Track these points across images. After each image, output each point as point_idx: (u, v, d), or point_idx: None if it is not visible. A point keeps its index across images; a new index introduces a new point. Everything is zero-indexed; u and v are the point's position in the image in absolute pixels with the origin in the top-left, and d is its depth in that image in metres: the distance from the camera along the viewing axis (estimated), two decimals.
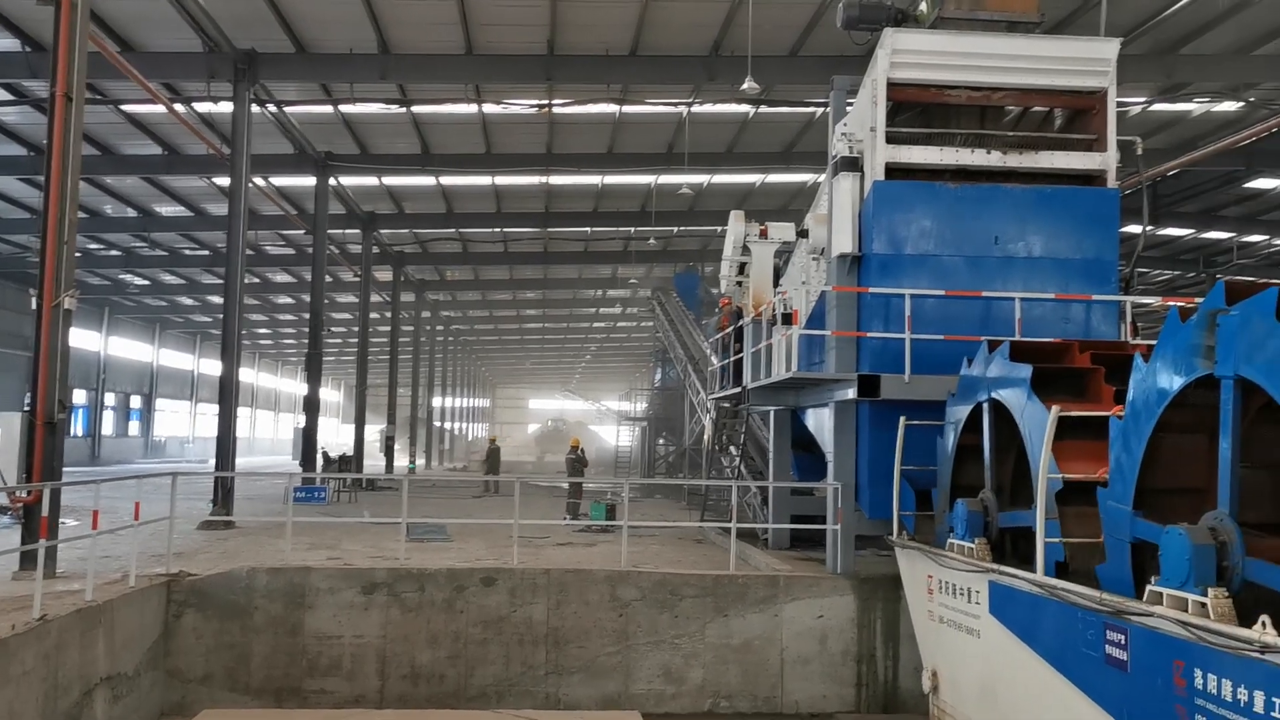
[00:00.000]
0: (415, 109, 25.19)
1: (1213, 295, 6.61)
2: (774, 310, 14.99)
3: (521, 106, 24.60)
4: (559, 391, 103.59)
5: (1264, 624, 5.95)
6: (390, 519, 17.11)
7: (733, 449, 20.95)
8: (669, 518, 23.41)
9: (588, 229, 37.79)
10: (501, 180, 31.46)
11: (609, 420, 71.06)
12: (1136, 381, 7.48)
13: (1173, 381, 7.01)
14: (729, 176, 31.21)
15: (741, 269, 18.17)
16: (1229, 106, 24.54)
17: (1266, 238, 35.65)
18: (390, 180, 31.55)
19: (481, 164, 29.12)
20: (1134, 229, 23.94)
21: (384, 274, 42.37)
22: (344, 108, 25.03)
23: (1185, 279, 39.87)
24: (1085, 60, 13.16)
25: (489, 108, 24.88)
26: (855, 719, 11.94)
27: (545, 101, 24.42)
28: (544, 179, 30.96)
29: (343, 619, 12.50)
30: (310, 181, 29.14)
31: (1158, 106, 24.49)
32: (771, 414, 17.11)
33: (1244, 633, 6.04)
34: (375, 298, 41.10)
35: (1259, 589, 7.18)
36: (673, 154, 27.97)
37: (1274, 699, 5.74)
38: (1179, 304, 7.40)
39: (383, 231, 37.94)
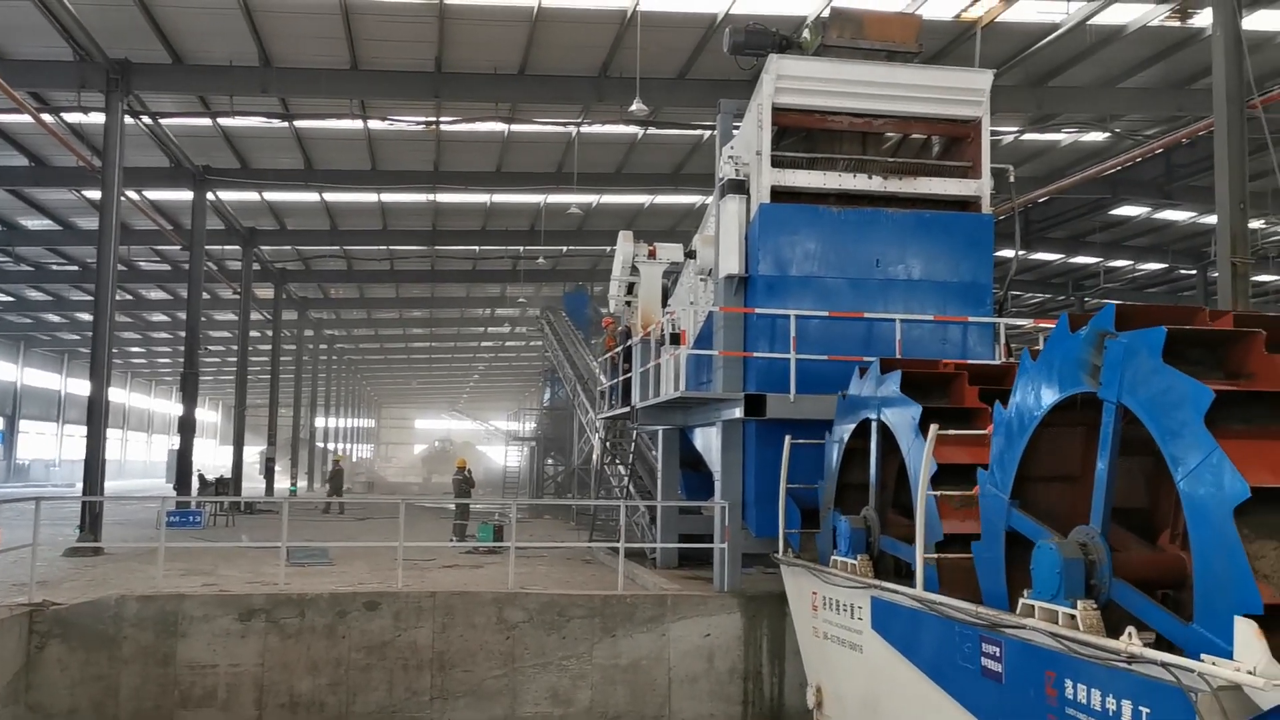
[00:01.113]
0: (298, 123, 24.68)
1: (1103, 315, 6.68)
2: (662, 330, 15.08)
3: (408, 123, 24.32)
4: (446, 411, 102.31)
5: (1130, 635, 6.18)
6: (270, 543, 16.62)
7: (621, 468, 20.97)
8: (558, 538, 23.31)
9: (476, 247, 37.54)
10: (388, 197, 31.04)
11: (497, 440, 70.42)
12: (1020, 387, 7.59)
13: (1055, 394, 7.11)
14: (618, 197, 31.36)
15: (630, 289, 18.27)
16: (1095, 137, 25.67)
17: (1130, 263, 37.37)
18: (272, 195, 30.85)
19: (367, 180, 28.67)
20: (1007, 253, 24.85)
21: (265, 291, 41.32)
22: (223, 121, 24.38)
23: (1056, 302, 41.51)
24: (961, 90, 13.62)
25: (375, 124, 24.53)
26: None
27: (433, 119, 24.19)
28: (431, 196, 30.66)
29: (218, 647, 12.08)
30: (187, 196, 28.27)
31: (1029, 136, 25.48)
32: (660, 433, 17.19)
33: (1112, 643, 6.26)
34: (256, 315, 40.08)
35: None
36: (562, 173, 27.99)
37: (1141, 708, 5.96)
38: (1048, 326, 7.62)
39: (264, 248, 37.02)
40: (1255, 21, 18.23)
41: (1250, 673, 5.25)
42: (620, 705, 12.48)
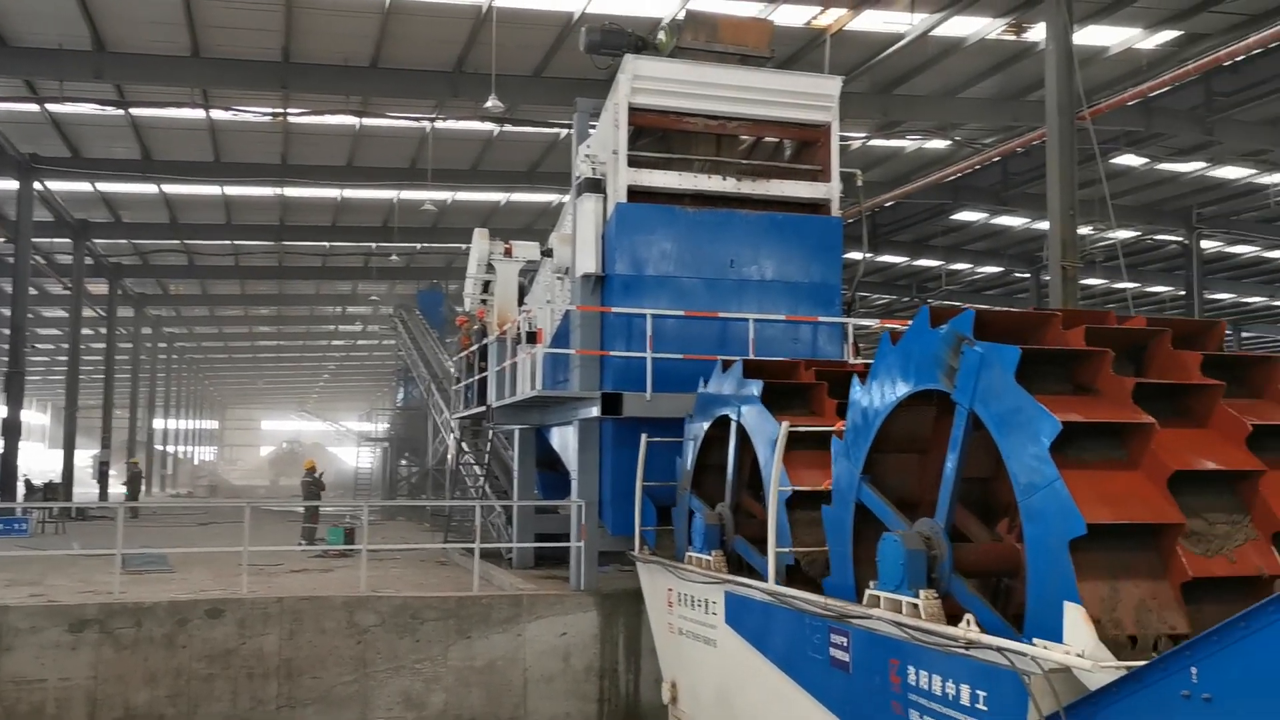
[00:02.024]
0: (135, 111, 23.57)
1: (963, 320, 6.73)
2: (518, 329, 14.98)
3: (254, 114, 23.51)
4: (295, 412, 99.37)
5: (969, 621, 6.43)
6: (103, 550, 15.82)
7: (477, 468, 20.76)
8: (412, 540, 22.92)
9: (326, 244, 36.59)
10: (232, 190, 29.98)
11: (349, 441, 68.83)
12: (878, 370, 7.70)
13: (910, 386, 7.26)
14: (473, 194, 31.04)
15: (486, 287, 18.08)
16: (937, 144, 26.68)
17: (970, 266, 39.01)
18: (106, 187, 29.38)
19: (209, 173, 27.63)
20: (856, 255, 25.61)
21: (99, 287, 39.36)
22: (52, 107, 23.12)
23: (901, 303, 43.01)
24: (811, 95, 13.94)
25: (218, 114, 23.61)
26: None
27: (280, 110, 23.45)
28: (279, 190, 29.74)
29: (46, 660, 11.42)
30: (12, 185, 26.69)
31: (876, 142, 26.31)
32: (516, 433, 17.08)
33: (952, 630, 6.50)
34: (88, 312, 38.09)
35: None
36: (415, 169, 27.54)
37: (978, 691, 6.21)
38: (894, 326, 7.84)
39: (97, 241, 35.24)
40: (1086, 37, 19.27)
41: (1079, 655, 5.52)
42: (475, 707, 12.35)
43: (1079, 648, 5.55)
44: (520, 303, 17.61)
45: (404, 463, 40.23)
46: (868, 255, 35.27)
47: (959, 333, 6.67)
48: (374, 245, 36.16)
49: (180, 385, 72.25)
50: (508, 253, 17.63)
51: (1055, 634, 5.72)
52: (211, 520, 28.63)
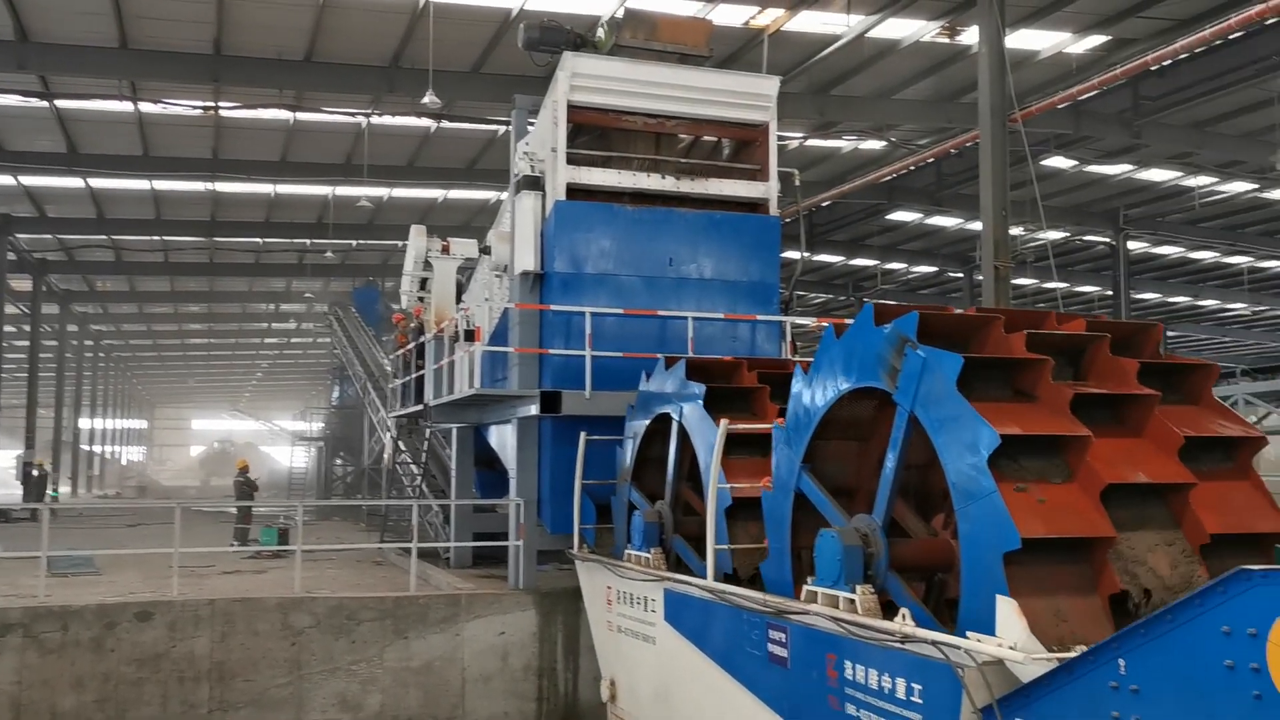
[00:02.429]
0: (60, 103, 23.00)
1: (907, 321, 6.70)
2: (456, 327, 14.87)
3: (184, 107, 23.05)
4: (226, 411, 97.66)
5: (904, 616, 6.51)
6: (28, 552, 15.41)
7: (414, 467, 20.58)
8: (348, 540, 22.66)
9: (259, 240, 36.00)
10: (161, 185, 29.37)
11: (283, 441, 67.82)
12: (821, 363, 7.67)
13: (852, 381, 7.26)
14: (410, 191, 30.76)
15: (423, 284, 17.93)
16: (873, 145, 26.99)
17: (905, 265, 39.53)
18: (30, 180, 28.62)
19: (138, 167, 27.03)
20: (793, 254, 25.81)
21: (22, 283, 38.32)
22: None
23: (838, 302, 43.45)
24: (749, 95, 14.01)
25: (146, 107, 23.13)
26: None
27: (211, 103, 23.02)
28: (210, 185, 29.19)
29: None
30: None
31: (813, 142, 26.54)
32: (454, 431, 16.95)
33: (887, 625, 6.57)
34: (11, 309, 37.07)
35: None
36: (351, 165, 27.21)
37: (914, 684, 6.29)
38: (834, 325, 7.86)
39: (20, 236, 34.33)
40: (1017, 40, 19.61)
41: (1011, 648, 5.62)
42: (412, 708, 12.24)
43: (1011, 640, 5.64)
44: (458, 300, 17.50)
45: (339, 462, 39.74)
46: (805, 254, 35.61)
47: (903, 335, 6.69)
48: (309, 242, 35.66)
49: (107, 384, 70.69)
50: (445, 250, 17.50)
51: (988, 628, 5.82)
52: (140, 521, 28.06)
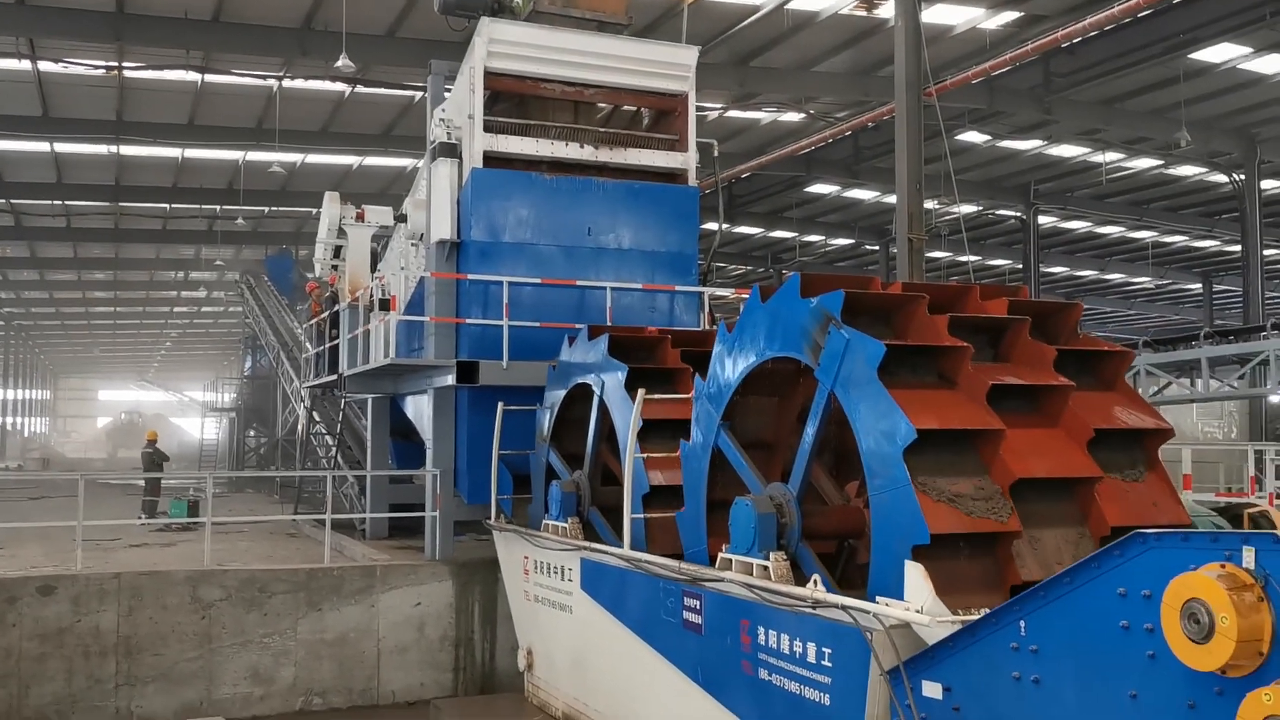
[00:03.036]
0: None
1: (833, 299, 6.66)
2: (371, 295, 14.65)
3: (86, 67, 22.22)
4: (134, 382, 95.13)
5: (815, 582, 6.62)
6: None
7: (329, 438, 20.28)
8: (261, 513, 22.27)
9: (166, 205, 34.97)
10: (62, 147, 28.33)
11: (193, 412, 66.28)
12: (745, 324, 7.65)
13: (775, 350, 7.26)
14: (324, 157, 30.13)
15: (337, 252, 17.60)
16: (792, 117, 27.15)
17: (823, 238, 39.94)
18: None
19: (37, 128, 26.06)
20: (713, 226, 25.88)
21: None
22: None
23: (756, 274, 43.76)
24: (668, 64, 13.97)
25: (46, 65, 22.25)
26: (453, 702, 11.95)
27: (114, 63, 22.22)
28: (114, 149, 28.24)
29: None
30: None
31: (732, 113, 26.59)
32: (370, 402, 16.74)
33: (799, 591, 6.68)
34: None
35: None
36: (262, 130, 26.54)
37: (825, 649, 6.40)
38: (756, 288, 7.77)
39: None
40: (933, 15, 19.85)
41: (918, 611, 5.75)
42: (327, 680, 12.12)
43: (918, 604, 5.77)
44: (373, 269, 17.22)
45: (252, 433, 39.01)
46: (724, 226, 35.81)
47: (828, 313, 6.68)
48: (219, 208, 34.73)
49: (8, 353, 68.34)
50: (360, 217, 17.17)
51: (897, 594, 5.93)
52: (44, 494, 27.27)
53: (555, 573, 10.59)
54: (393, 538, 15.83)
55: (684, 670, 8.07)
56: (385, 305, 13.41)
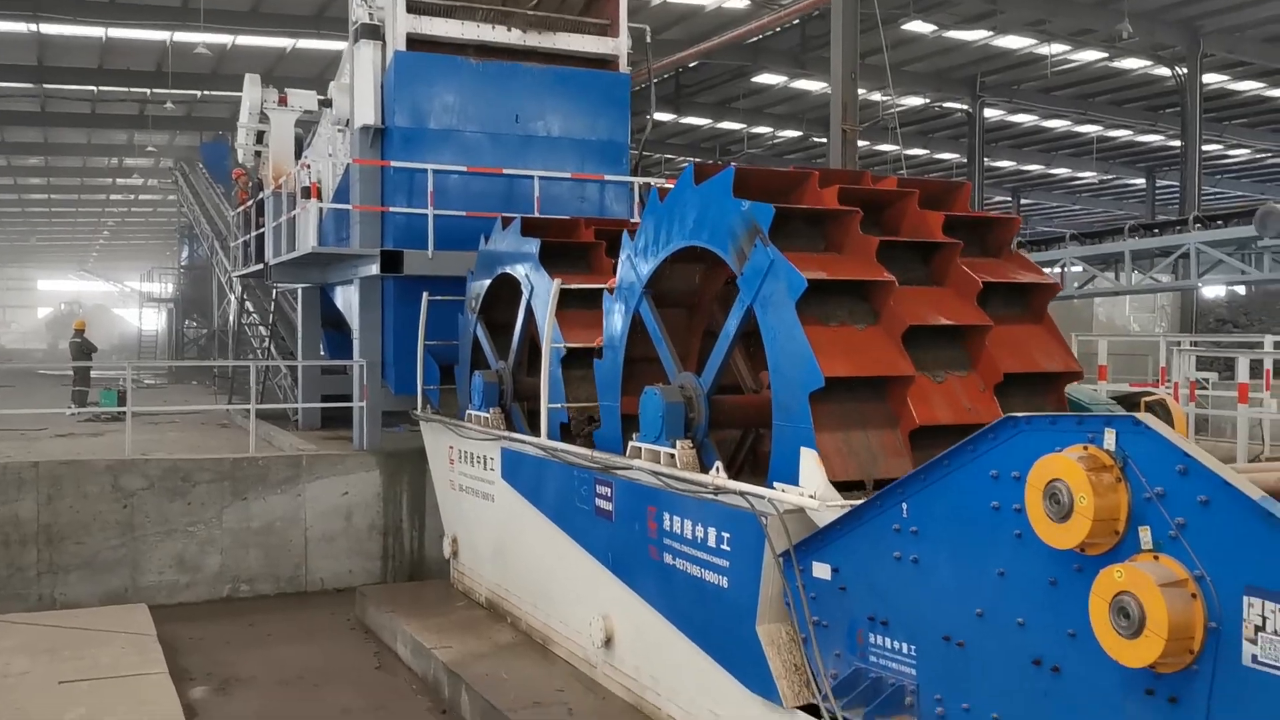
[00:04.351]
0: None
1: (763, 211, 6.47)
2: (294, 183, 14.33)
3: None
4: (74, 271, 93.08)
5: (717, 469, 6.70)
6: None
7: (262, 329, 20.05)
8: (197, 404, 22.10)
9: (94, 89, 33.75)
10: None
11: (134, 302, 65.12)
12: (676, 200, 7.51)
13: (704, 240, 7.10)
14: (255, 39, 29.08)
15: (260, 138, 17.13)
16: (737, 4, 26.54)
17: (771, 130, 39.52)
18: None
19: None
20: (662, 116, 25.51)
21: None
22: None
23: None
24: None
25: None
26: (380, 589, 12.08)
27: None
28: (33, 27, 27.07)
29: None
30: None
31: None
32: (300, 292, 16.52)
33: (702, 478, 6.77)
34: None
35: (723, 441, 8.09)
36: (188, 9, 25.51)
37: (724, 534, 6.52)
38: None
39: None
40: None
41: (811, 496, 5.85)
42: (254, 568, 12.20)
43: (811, 490, 5.87)
44: (298, 155, 16.81)
45: (193, 324, 38.47)
46: (672, 117, 35.31)
47: (757, 225, 6.51)
48: (149, 92, 33.57)
49: None
50: (282, 102, 16.69)
51: (795, 479, 6.03)
52: None
53: (478, 462, 10.65)
54: (326, 428, 15.79)
55: (596, 556, 8.21)
56: (307, 193, 13.12)
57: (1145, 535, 4.02)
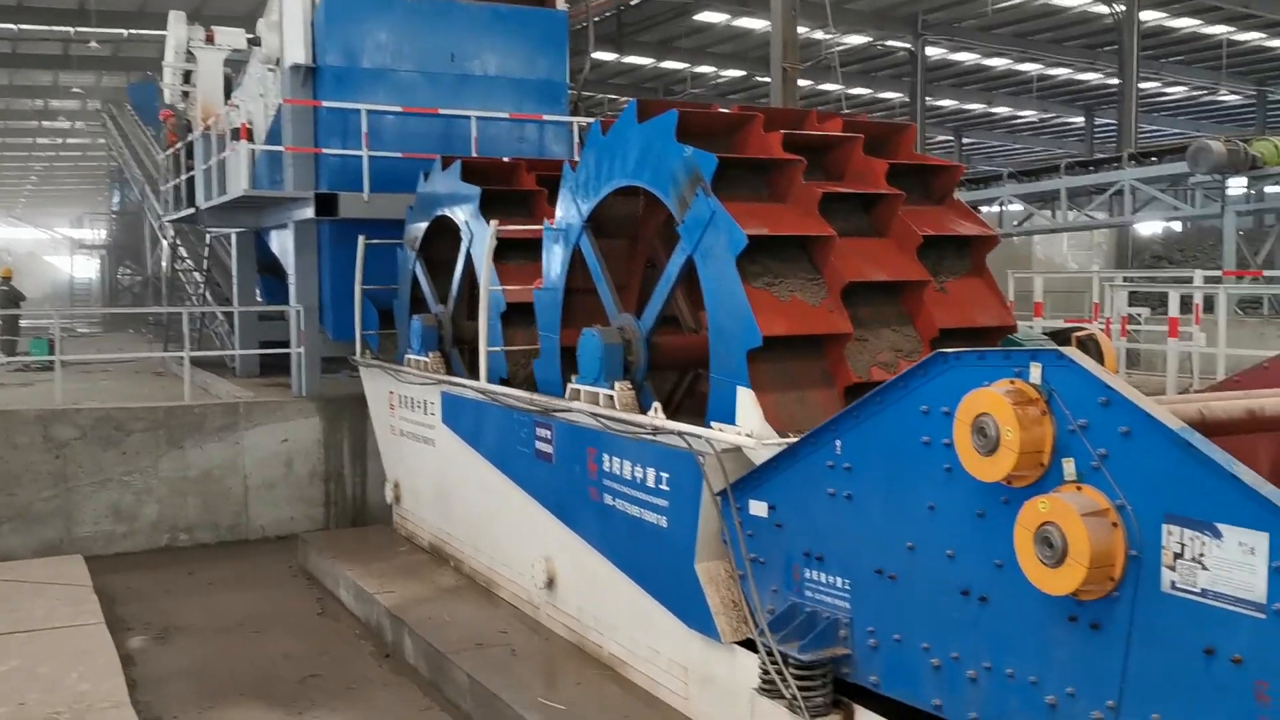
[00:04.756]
0: None
1: (706, 161, 6.36)
2: (225, 124, 13.96)
3: None
4: (2, 218, 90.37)
5: (656, 409, 6.71)
6: None
7: (196, 275, 19.65)
8: (133, 351, 21.68)
9: (14, 26, 32.51)
10: None
11: (67, 250, 63.46)
12: (618, 136, 7.37)
13: (645, 181, 7.01)
14: None
15: (187, 77, 16.62)
16: None
17: (715, 69, 39.18)
18: None
19: None
20: (602, 56, 25.07)
21: None
22: None
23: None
24: None
25: None
26: (322, 535, 12.01)
27: None
28: None
29: None
30: None
31: None
32: (234, 236, 16.18)
33: (640, 418, 6.78)
34: None
35: (661, 380, 8.09)
36: None
37: (662, 474, 6.53)
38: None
39: None
40: None
41: (748, 436, 5.87)
42: (192, 517, 12.06)
43: (748, 428, 5.90)
44: (229, 95, 16.34)
45: (128, 271, 37.61)
46: (614, 56, 34.85)
47: (699, 174, 6.40)
48: (72, 30, 32.43)
49: None
50: (209, 40, 16.16)
51: (732, 419, 6.05)
52: None
53: (418, 407, 10.58)
54: (265, 375, 15.56)
55: (537, 498, 8.21)
56: (236, 134, 12.80)
57: (1069, 467, 4.08)
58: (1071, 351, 4.13)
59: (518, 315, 9.01)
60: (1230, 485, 3.59)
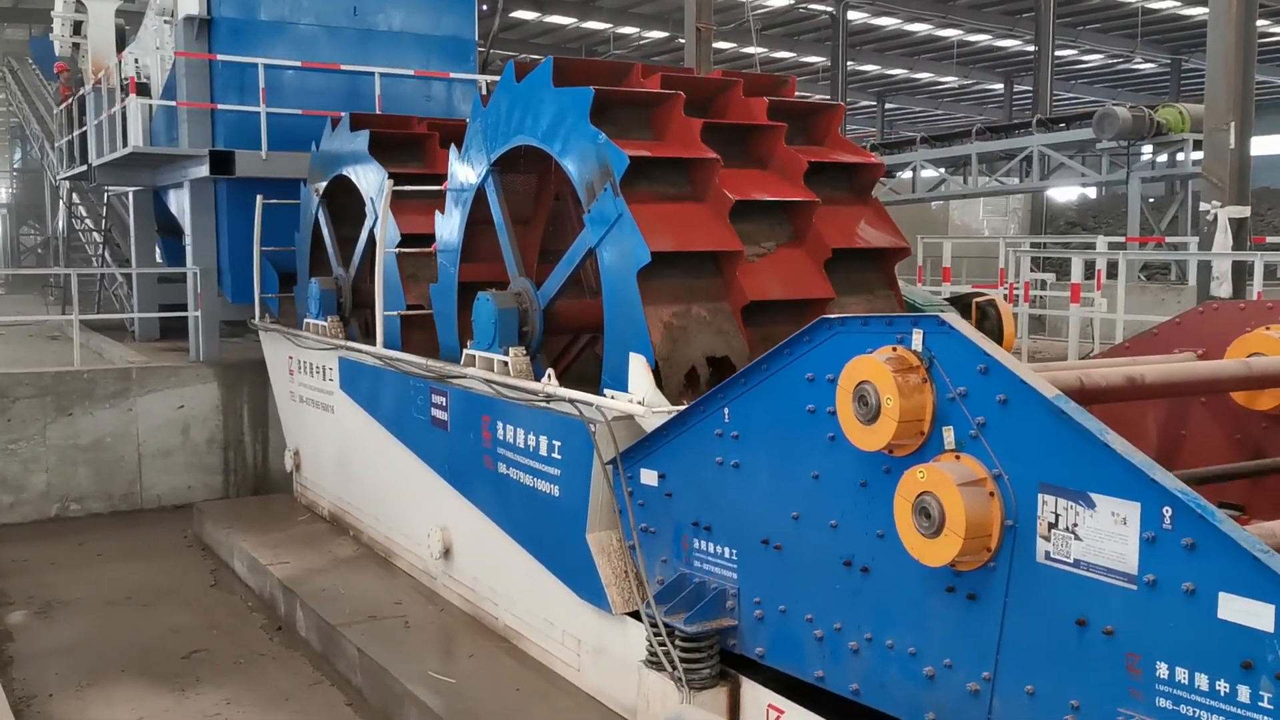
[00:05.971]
0: None
1: (619, 159, 6.01)
2: (116, 77, 13.38)
3: None
4: None
5: (549, 376, 6.54)
6: None
7: (95, 235, 18.93)
8: (33, 315, 20.88)
9: None
10: None
11: None
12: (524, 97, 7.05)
13: (558, 151, 6.65)
14: None
15: (79, 28, 15.90)
16: None
17: (638, 30, 38.82)
18: None
19: None
20: (523, 15, 24.39)
21: None
22: None
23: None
24: None
25: None
26: (220, 504, 11.67)
27: None
28: None
29: None
30: None
31: None
32: (130, 195, 15.57)
33: (533, 385, 6.60)
34: None
35: (552, 345, 7.88)
36: None
37: (555, 442, 6.37)
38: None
39: None
40: None
41: (640, 403, 5.74)
42: (84, 486, 11.63)
43: (639, 396, 5.76)
44: (121, 48, 15.66)
45: (29, 231, 36.27)
46: (535, 15, 34.29)
47: (610, 170, 6.11)
48: None
49: None
50: None
51: (625, 385, 5.90)
52: None
53: (317, 373, 10.28)
54: (166, 339, 15.07)
55: (433, 467, 8.00)
56: (126, 88, 12.26)
57: (949, 435, 4.01)
58: (951, 317, 4.05)
59: (423, 268, 8.69)
60: (1103, 454, 3.53)
